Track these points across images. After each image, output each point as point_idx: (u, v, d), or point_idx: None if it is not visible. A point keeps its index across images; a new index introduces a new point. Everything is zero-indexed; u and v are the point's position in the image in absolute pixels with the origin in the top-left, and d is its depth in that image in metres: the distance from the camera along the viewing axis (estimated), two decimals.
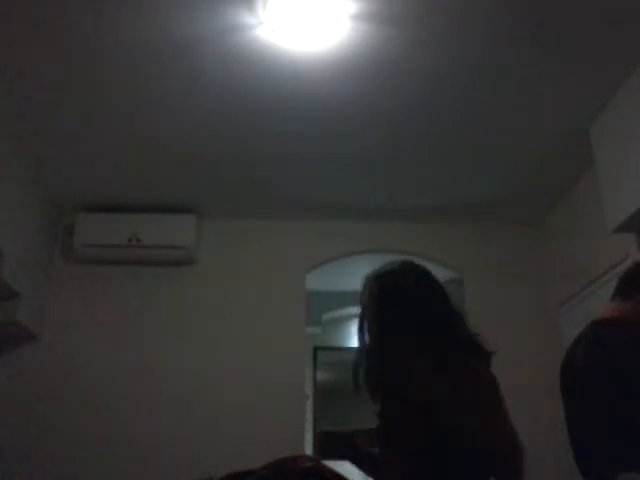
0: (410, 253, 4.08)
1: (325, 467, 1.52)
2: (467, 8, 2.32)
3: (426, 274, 1.67)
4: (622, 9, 2.31)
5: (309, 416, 4.67)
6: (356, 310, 1.75)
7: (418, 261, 1.73)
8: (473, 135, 3.15)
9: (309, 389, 4.86)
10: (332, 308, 5.01)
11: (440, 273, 4.51)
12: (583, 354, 1.90)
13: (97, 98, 2.86)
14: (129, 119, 3.02)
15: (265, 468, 1.40)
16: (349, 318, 4.87)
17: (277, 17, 2.34)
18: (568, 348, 2.03)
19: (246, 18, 2.36)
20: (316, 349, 5.27)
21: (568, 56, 2.57)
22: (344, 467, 1.50)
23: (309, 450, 3.91)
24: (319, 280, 4.16)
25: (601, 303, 2.13)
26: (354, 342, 1.74)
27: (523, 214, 3.95)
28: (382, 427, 1.60)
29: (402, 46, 2.51)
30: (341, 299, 4.79)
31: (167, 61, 2.61)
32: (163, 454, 3.44)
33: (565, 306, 3.66)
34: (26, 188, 3.45)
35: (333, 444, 1.67)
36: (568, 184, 3.57)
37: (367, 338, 1.64)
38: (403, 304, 1.59)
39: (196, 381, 3.60)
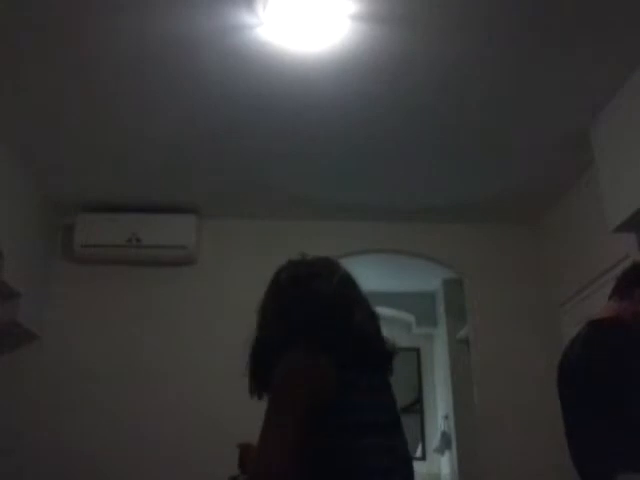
0: (410, 253, 4.10)
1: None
2: (467, 8, 2.32)
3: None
4: (622, 9, 2.31)
5: None
6: None
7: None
8: (473, 135, 3.15)
9: None
10: None
11: (440, 273, 4.59)
12: (580, 354, 1.91)
13: (97, 98, 2.86)
14: (129, 119, 3.02)
15: None
16: None
17: (277, 17, 2.34)
18: (565, 348, 2.03)
19: (246, 18, 2.36)
20: None
21: (568, 56, 2.57)
22: None
23: None
24: None
25: (601, 303, 2.13)
26: None
27: (523, 214, 3.96)
28: None
29: (402, 46, 2.51)
30: None
31: (167, 61, 2.61)
32: (163, 454, 3.44)
33: (565, 306, 3.66)
34: (26, 188, 3.45)
35: None
36: (568, 184, 3.57)
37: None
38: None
39: (196, 380, 3.60)
